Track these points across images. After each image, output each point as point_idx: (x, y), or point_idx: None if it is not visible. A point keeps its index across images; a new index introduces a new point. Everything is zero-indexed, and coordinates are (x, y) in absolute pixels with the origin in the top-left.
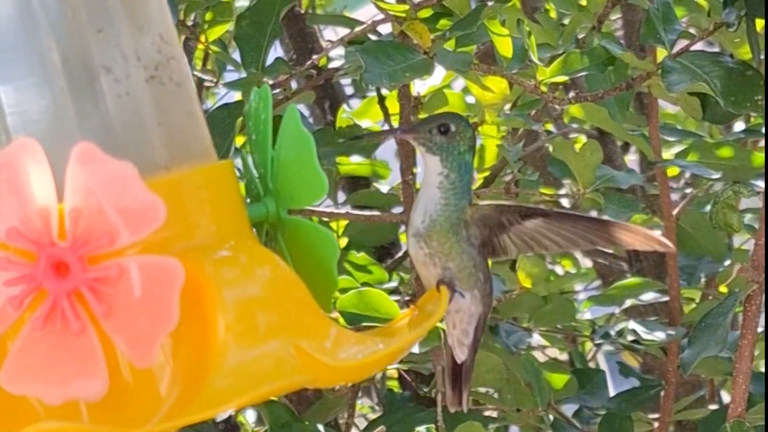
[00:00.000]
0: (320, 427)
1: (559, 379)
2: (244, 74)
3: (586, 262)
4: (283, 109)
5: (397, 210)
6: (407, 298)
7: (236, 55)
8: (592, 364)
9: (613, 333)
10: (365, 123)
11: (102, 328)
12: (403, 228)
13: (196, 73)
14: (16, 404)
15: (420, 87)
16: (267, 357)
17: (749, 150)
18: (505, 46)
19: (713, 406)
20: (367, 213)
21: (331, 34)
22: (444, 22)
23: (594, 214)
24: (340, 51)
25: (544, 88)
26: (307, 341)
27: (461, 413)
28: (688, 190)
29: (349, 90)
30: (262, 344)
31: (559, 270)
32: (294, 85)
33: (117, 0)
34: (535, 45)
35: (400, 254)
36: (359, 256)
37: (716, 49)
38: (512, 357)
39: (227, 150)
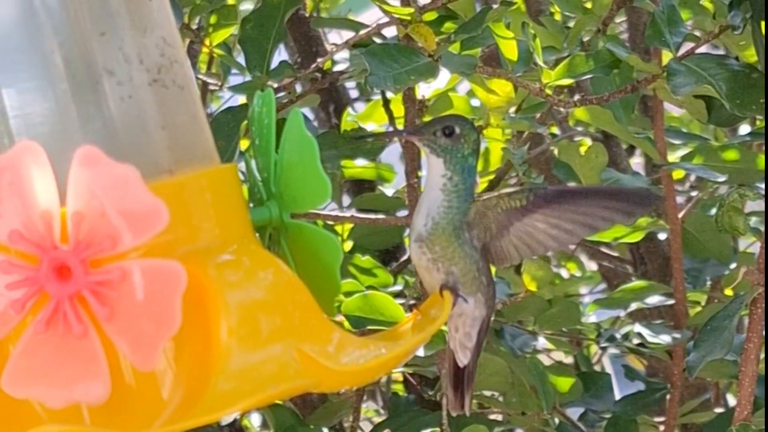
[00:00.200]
0: (325, 430)
1: (564, 383)
2: (248, 77)
3: (592, 266)
4: (287, 112)
5: (402, 213)
6: (412, 301)
7: (241, 59)
8: (597, 368)
9: (618, 336)
10: (370, 126)
11: (104, 332)
12: (407, 231)
13: (200, 76)
14: (18, 408)
15: (425, 90)
16: (270, 361)
17: (755, 153)
18: (509, 49)
19: (719, 410)
20: (371, 216)
21: (335, 37)
22: (449, 25)
23: None
24: (344, 54)
25: (549, 91)
26: (310, 345)
27: (466, 416)
28: (694, 193)
29: (354, 93)
30: (265, 348)
31: (564, 273)
32: (299, 88)
33: (120, 3)
34: (539, 48)
35: (404, 257)
36: (364, 260)
37: (722, 52)
38: (517, 360)
39: (232, 153)
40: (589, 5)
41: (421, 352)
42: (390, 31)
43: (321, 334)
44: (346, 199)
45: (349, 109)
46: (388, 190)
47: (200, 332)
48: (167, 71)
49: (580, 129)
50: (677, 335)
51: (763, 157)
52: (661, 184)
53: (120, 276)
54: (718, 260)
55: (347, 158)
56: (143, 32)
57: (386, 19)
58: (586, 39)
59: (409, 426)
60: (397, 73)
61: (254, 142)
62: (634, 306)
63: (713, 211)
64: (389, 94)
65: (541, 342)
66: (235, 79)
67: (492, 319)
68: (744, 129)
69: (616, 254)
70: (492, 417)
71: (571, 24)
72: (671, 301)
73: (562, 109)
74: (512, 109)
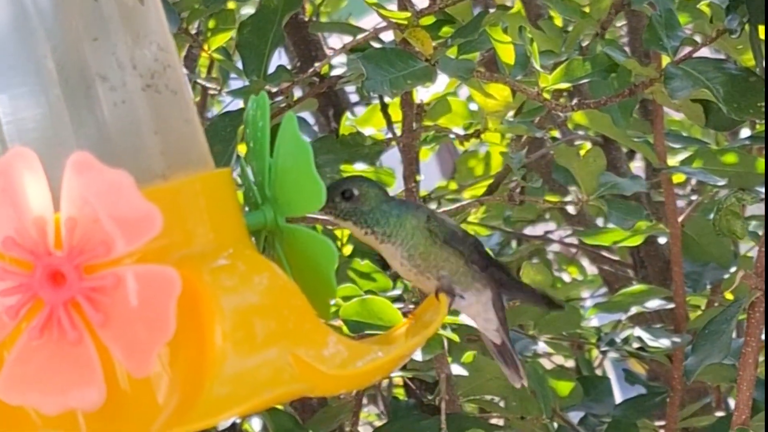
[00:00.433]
0: None
1: (564, 387)
2: (247, 82)
3: (593, 269)
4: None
5: None
6: (411, 305)
7: (240, 63)
8: (599, 372)
9: (618, 340)
10: (368, 130)
11: (99, 338)
12: None
13: (200, 80)
14: (13, 414)
15: (423, 94)
16: (265, 365)
17: (754, 156)
18: (507, 53)
19: (720, 413)
20: None
21: (336, 41)
22: (446, 30)
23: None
24: (343, 58)
25: (546, 95)
26: (305, 350)
27: (466, 421)
28: (694, 197)
29: (353, 97)
30: (260, 353)
31: (565, 277)
32: (298, 92)
33: (113, 8)
34: (537, 52)
35: None
36: (363, 264)
37: (722, 56)
38: None
39: (229, 157)
40: (587, 9)
41: (420, 357)
42: (388, 36)
43: (316, 339)
44: None
45: (348, 114)
46: None
47: (195, 337)
48: (160, 76)
49: (581, 133)
50: (677, 339)
51: (762, 160)
52: (661, 188)
53: (114, 282)
54: (719, 264)
55: (346, 162)
56: (136, 37)
57: (384, 24)
58: (585, 43)
59: (409, 430)
60: (393, 78)
61: (249, 146)
62: (634, 310)
63: (713, 214)
64: (388, 99)
65: (542, 346)
66: (235, 83)
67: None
68: (744, 133)
69: (616, 258)
70: (492, 421)
71: (570, 28)
72: (671, 305)
73: (560, 113)
74: (511, 113)
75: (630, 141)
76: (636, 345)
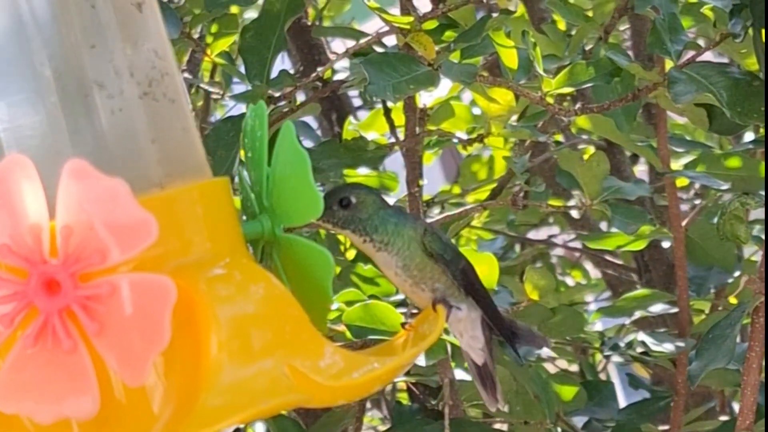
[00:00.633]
0: None
1: (568, 391)
2: (249, 87)
3: (596, 273)
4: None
5: None
6: (414, 311)
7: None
8: (603, 376)
9: (622, 345)
10: (371, 135)
11: (94, 347)
12: None
13: (203, 85)
14: (7, 423)
15: (426, 99)
16: (261, 376)
17: (758, 160)
18: (510, 58)
19: (724, 418)
20: None
21: (339, 46)
22: (449, 34)
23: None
24: (345, 63)
25: (550, 100)
26: (301, 360)
27: (469, 425)
28: (698, 201)
29: (356, 102)
30: (256, 363)
31: (569, 281)
32: (301, 97)
33: (111, 16)
34: (540, 56)
35: None
36: (366, 269)
37: (725, 60)
38: (521, 369)
39: (231, 163)
40: (590, 13)
41: (423, 362)
42: (391, 40)
43: (312, 349)
44: None
45: (351, 118)
46: (391, 199)
47: (191, 346)
48: (158, 84)
49: (584, 137)
50: (681, 343)
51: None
52: (664, 192)
53: (109, 290)
54: (722, 268)
55: (349, 167)
56: (134, 45)
57: (387, 28)
58: (588, 47)
59: None
60: (396, 82)
61: (247, 155)
62: (638, 314)
63: (716, 219)
64: (390, 103)
65: (545, 350)
66: (238, 88)
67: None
68: (748, 136)
69: (620, 262)
70: (496, 426)
71: (574, 32)
72: (675, 309)
73: (563, 118)
74: (514, 118)
75: (633, 145)
76: (640, 349)
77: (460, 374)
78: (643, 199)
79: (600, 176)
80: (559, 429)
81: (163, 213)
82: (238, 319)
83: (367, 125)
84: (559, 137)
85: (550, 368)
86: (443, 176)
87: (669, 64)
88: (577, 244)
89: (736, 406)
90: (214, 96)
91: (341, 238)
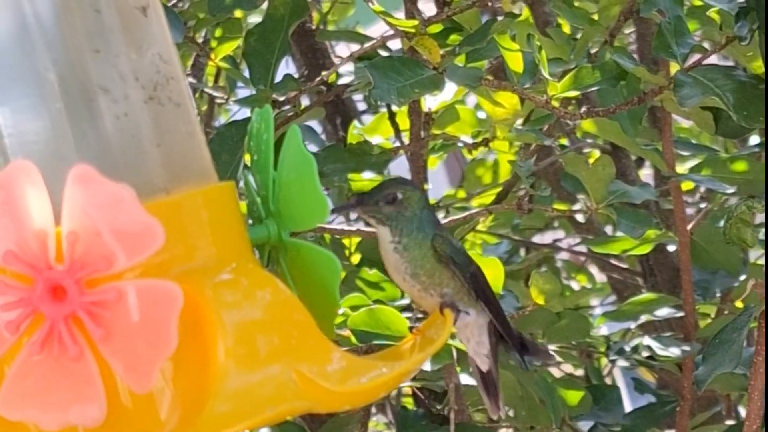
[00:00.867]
0: None
1: (573, 396)
2: (253, 91)
3: (602, 277)
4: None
5: None
6: (419, 315)
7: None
8: (608, 380)
9: (628, 349)
10: (376, 139)
11: (100, 353)
12: None
13: (207, 89)
14: (13, 430)
15: (431, 103)
16: (268, 382)
17: (763, 164)
18: (515, 61)
19: (730, 422)
20: None
21: (344, 50)
22: (454, 38)
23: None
24: (350, 67)
25: (555, 103)
26: (308, 366)
27: (474, 430)
28: (703, 205)
29: (361, 106)
30: (263, 369)
31: (574, 285)
32: (306, 101)
33: (115, 20)
34: (545, 60)
35: None
36: (371, 273)
37: (731, 63)
38: (526, 374)
39: (236, 167)
40: (596, 16)
41: (428, 367)
42: (395, 44)
43: (319, 355)
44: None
45: (355, 122)
46: None
47: (197, 353)
48: (163, 88)
49: (589, 141)
50: (687, 348)
51: None
52: (669, 196)
53: (115, 296)
54: (728, 272)
55: (354, 171)
56: (138, 49)
57: (391, 32)
58: (593, 50)
59: None
60: (401, 86)
61: (253, 159)
62: (643, 318)
63: (722, 222)
64: (395, 107)
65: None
66: (242, 92)
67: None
68: (753, 140)
69: (625, 266)
70: (501, 431)
71: (579, 35)
72: (681, 314)
73: (568, 122)
74: (519, 122)
75: (639, 149)
76: (645, 354)
77: (465, 379)
78: (648, 202)
79: (606, 180)
80: None
81: (168, 218)
82: (245, 324)
83: (372, 129)
84: (564, 141)
85: (556, 373)
86: (448, 180)
87: (674, 68)
88: (583, 248)
89: (741, 410)
90: (218, 100)
91: (346, 242)
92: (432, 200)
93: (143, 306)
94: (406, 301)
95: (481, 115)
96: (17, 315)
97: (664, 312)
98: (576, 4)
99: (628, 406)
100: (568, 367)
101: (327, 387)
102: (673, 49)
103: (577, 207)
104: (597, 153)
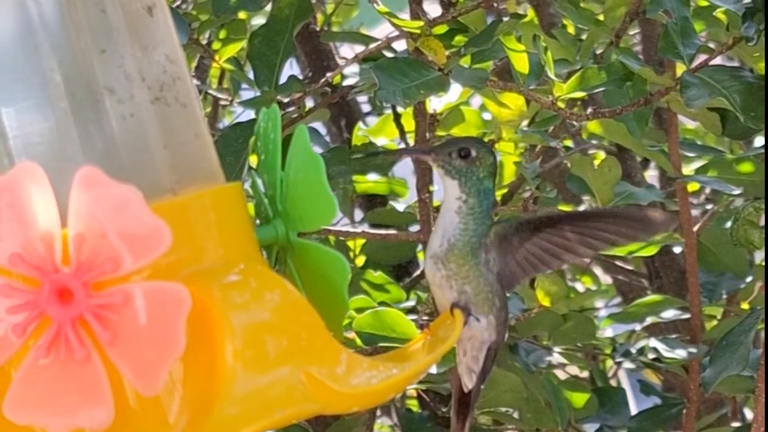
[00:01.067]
0: None
1: (579, 398)
2: (258, 92)
3: (607, 279)
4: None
5: (414, 228)
6: (425, 317)
7: (252, 74)
8: (613, 382)
9: (633, 351)
10: (381, 141)
11: (107, 356)
12: (420, 246)
13: (211, 91)
14: None
15: (436, 104)
16: (277, 384)
17: None
18: (521, 62)
19: (736, 424)
20: (383, 232)
21: (348, 51)
22: (459, 39)
23: None
24: (355, 68)
25: (561, 104)
26: (317, 368)
27: None
28: (709, 206)
29: (366, 107)
30: (272, 371)
31: (579, 287)
32: (310, 103)
33: (121, 20)
34: (551, 60)
35: (417, 273)
36: (376, 275)
37: (736, 64)
38: (532, 376)
39: (240, 169)
40: (601, 17)
41: (434, 369)
42: (400, 45)
43: (329, 356)
44: (358, 214)
45: (360, 124)
46: (400, 205)
47: (205, 355)
48: (169, 89)
49: (594, 142)
50: (693, 350)
51: None
52: (675, 198)
53: (122, 299)
54: (734, 274)
55: (359, 173)
56: (145, 49)
57: (396, 33)
58: (599, 51)
59: None
60: (406, 88)
61: (260, 159)
62: (649, 320)
63: (728, 224)
64: (400, 109)
65: (556, 357)
66: (247, 94)
67: (503, 342)
68: (759, 141)
69: (631, 268)
70: None
71: (584, 36)
72: (687, 315)
73: (574, 123)
74: (525, 123)
75: (644, 150)
76: (651, 355)
77: None
78: (654, 204)
79: (612, 181)
80: None
81: (175, 220)
82: (253, 326)
83: (377, 131)
84: (569, 142)
85: (561, 375)
86: None
87: (680, 69)
88: None
89: (747, 412)
90: (222, 102)
91: (350, 244)
92: (437, 202)
93: (150, 308)
94: (411, 303)
95: (487, 116)
96: (24, 318)
97: (669, 314)
98: (581, 5)
99: (633, 409)
100: (573, 369)
101: (336, 389)
102: (679, 49)
103: (582, 209)
104: (602, 154)
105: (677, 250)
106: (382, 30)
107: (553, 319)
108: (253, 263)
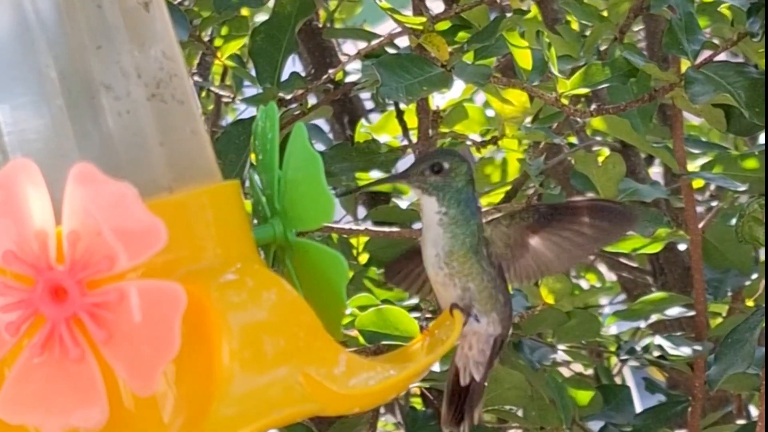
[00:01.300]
0: None
1: (584, 396)
2: (260, 89)
3: (611, 276)
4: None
5: (417, 225)
6: (428, 315)
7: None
8: (618, 380)
9: (638, 348)
10: (383, 138)
11: (102, 355)
12: None
13: (213, 88)
14: None
15: (439, 101)
16: (274, 385)
17: None
18: (524, 59)
19: (741, 421)
20: (387, 229)
21: (351, 47)
22: (462, 35)
23: None
24: (357, 65)
25: (564, 101)
26: (315, 368)
27: (484, 431)
28: (714, 203)
29: (368, 104)
30: (269, 371)
31: (584, 284)
32: (313, 100)
33: (117, 16)
34: (555, 57)
35: None
36: (379, 273)
37: (740, 60)
38: (536, 373)
39: (242, 167)
40: (605, 13)
41: (437, 368)
42: (403, 41)
43: (327, 357)
44: (362, 212)
45: (363, 121)
46: (403, 203)
47: (202, 355)
48: (166, 85)
49: (598, 138)
50: (698, 347)
51: None
52: (680, 194)
53: (118, 297)
54: (739, 271)
55: (361, 170)
56: (141, 46)
57: (399, 29)
58: (603, 48)
59: None
60: (409, 84)
61: (258, 158)
62: (654, 317)
63: (734, 221)
64: (403, 105)
65: (560, 354)
66: (249, 91)
67: (508, 338)
68: (764, 138)
69: (635, 265)
70: (511, 431)
71: (588, 32)
72: (692, 313)
73: (578, 119)
74: (528, 120)
75: (650, 146)
76: (656, 353)
77: None
78: (658, 201)
79: (616, 178)
80: None
81: (172, 218)
82: (251, 326)
83: (380, 128)
84: (573, 139)
85: (566, 372)
86: None
87: (685, 65)
88: None
89: (752, 410)
90: (224, 99)
91: (353, 241)
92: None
93: (146, 307)
94: (414, 301)
95: (490, 113)
96: (17, 316)
97: (674, 311)
98: (585, 0)
99: (638, 406)
100: (578, 367)
101: (334, 389)
102: (683, 45)
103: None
104: (607, 151)
105: (682, 247)
106: (385, 27)
107: (558, 317)
108: (250, 262)
